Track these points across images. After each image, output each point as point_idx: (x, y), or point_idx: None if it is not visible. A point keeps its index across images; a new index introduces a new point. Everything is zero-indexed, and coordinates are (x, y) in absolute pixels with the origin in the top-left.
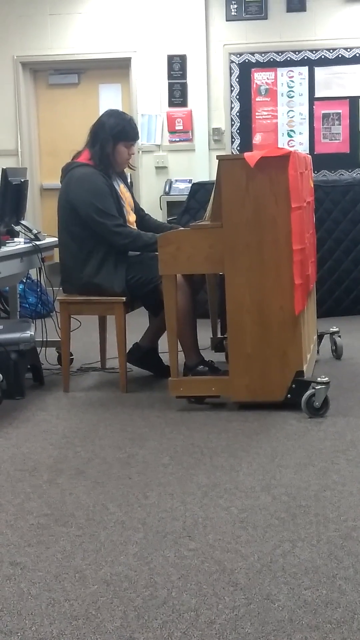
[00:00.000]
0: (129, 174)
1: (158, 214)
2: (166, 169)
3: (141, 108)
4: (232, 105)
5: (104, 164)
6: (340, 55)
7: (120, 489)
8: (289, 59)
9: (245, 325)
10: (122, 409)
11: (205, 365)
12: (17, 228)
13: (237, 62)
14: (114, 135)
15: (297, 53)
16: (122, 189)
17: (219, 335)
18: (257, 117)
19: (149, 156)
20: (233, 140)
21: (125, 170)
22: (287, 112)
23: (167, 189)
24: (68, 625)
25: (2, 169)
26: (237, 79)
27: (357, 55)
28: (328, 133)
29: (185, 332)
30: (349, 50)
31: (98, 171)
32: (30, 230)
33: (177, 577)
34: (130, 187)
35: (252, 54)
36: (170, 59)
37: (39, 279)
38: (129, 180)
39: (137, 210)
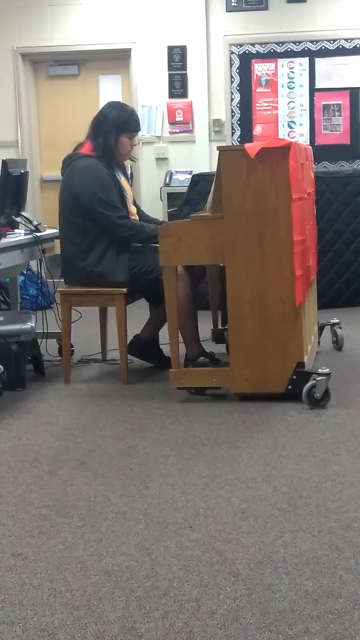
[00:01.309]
0: (128, 166)
1: (158, 206)
2: (166, 160)
3: (141, 99)
4: (233, 97)
5: (107, 155)
6: (340, 46)
7: (121, 480)
8: (289, 49)
9: (245, 317)
10: (122, 400)
11: (206, 357)
12: (18, 219)
13: (237, 53)
14: (117, 126)
15: (297, 44)
16: (123, 181)
17: (220, 327)
18: (257, 108)
19: (149, 147)
20: (233, 131)
21: (125, 162)
22: (288, 103)
23: (167, 181)
24: (69, 615)
25: (2, 160)
26: (238, 70)
27: (358, 46)
28: (328, 124)
29: (185, 323)
30: (349, 41)
31: (101, 162)
32: (30, 222)
33: (179, 567)
34: (129, 178)
35: (253, 44)
36: (171, 49)
37: (39, 271)
38: (128, 172)
39: (134, 204)
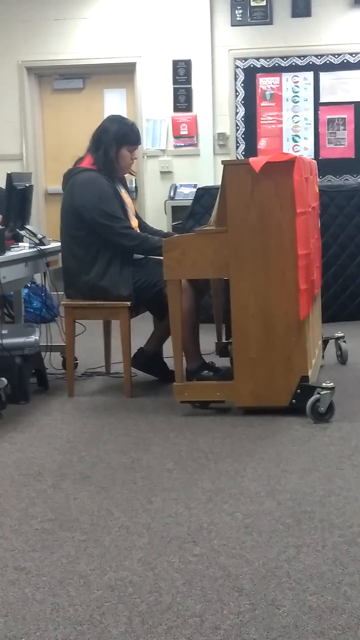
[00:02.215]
0: (133, 179)
1: (163, 219)
2: (171, 174)
3: (146, 113)
4: (237, 110)
5: (107, 168)
6: (345, 61)
7: (124, 494)
8: (294, 64)
9: (250, 330)
10: (126, 413)
11: (208, 370)
12: (22, 232)
13: (242, 67)
14: (117, 139)
15: (302, 58)
16: (124, 193)
17: (224, 340)
18: (262, 122)
19: (153, 161)
20: (238, 145)
21: (125, 176)
22: (292, 117)
23: (172, 194)
24: (72, 630)
25: (7, 173)
26: (242, 84)
27: None
28: (333, 138)
29: (187, 336)
30: (354, 55)
31: (102, 175)
32: (35, 235)
33: (182, 582)
34: (129, 191)
35: (257, 59)
36: (175, 64)
37: (43, 284)
38: (133, 185)
39: (137, 216)
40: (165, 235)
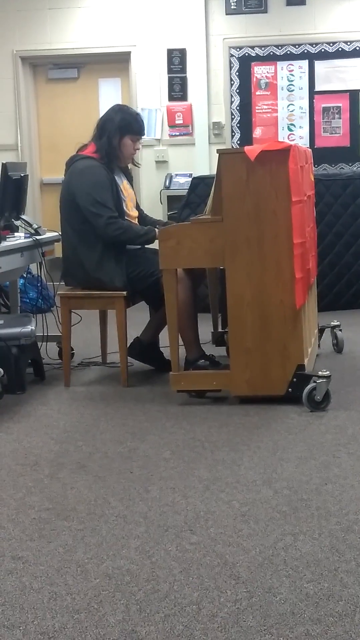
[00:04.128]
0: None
1: (158, 208)
2: (166, 163)
3: (141, 102)
4: (232, 99)
5: (110, 156)
6: (340, 49)
7: (121, 483)
8: (288, 52)
9: (246, 320)
10: (123, 403)
11: (206, 360)
12: (17, 223)
13: (237, 56)
14: (120, 128)
15: (297, 47)
16: (125, 185)
17: (220, 330)
18: (257, 111)
19: (149, 150)
20: (233, 134)
21: (129, 166)
22: (287, 106)
23: (167, 183)
24: (70, 619)
25: (2, 163)
26: (237, 73)
27: (357, 48)
28: (328, 127)
29: (185, 326)
30: (349, 43)
31: (101, 164)
32: (30, 225)
33: (179, 570)
34: (132, 182)
35: (252, 47)
36: (170, 52)
37: (39, 274)
38: None
39: (137, 207)
40: (165, 224)
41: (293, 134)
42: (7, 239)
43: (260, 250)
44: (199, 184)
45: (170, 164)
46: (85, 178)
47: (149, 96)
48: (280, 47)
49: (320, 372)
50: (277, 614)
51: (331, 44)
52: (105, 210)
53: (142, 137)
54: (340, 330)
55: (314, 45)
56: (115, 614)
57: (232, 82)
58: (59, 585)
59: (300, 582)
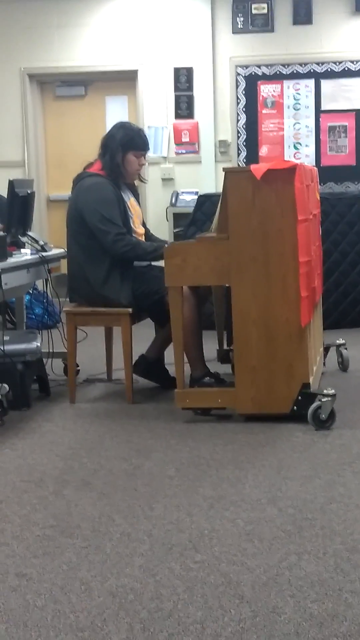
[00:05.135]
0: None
1: (164, 226)
2: (172, 181)
3: (148, 120)
4: (239, 118)
5: (114, 173)
6: (346, 68)
7: (126, 501)
8: (295, 71)
9: (251, 337)
10: (128, 420)
11: (211, 377)
12: (24, 239)
13: (243, 75)
14: (123, 144)
15: (303, 66)
16: (132, 202)
17: (225, 347)
18: (263, 129)
19: (155, 168)
20: (239, 152)
21: (136, 183)
22: (294, 125)
23: (173, 201)
24: (74, 637)
25: (9, 180)
26: (244, 91)
27: None
28: (334, 145)
29: (190, 343)
30: (355, 63)
31: (108, 181)
32: (36, 242)
33: (183, 589)
34: (139, 200)
35: (259, 66)
36: (177, 71)
37: (45, 290)
38: None
39: (144, 225)
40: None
41: (299, 153)
42: (14, 255)
43: (265, 268)
44: (205, 202)
45: (176, 181)
46: (93, 195)
47: (155, 114)
48: (286, 66)
49: (325, 391)
50: (281, 633)
51: (337, 63)
52: (113, 227)
53: (147, 152)
54: (346, 348)
55: (320, 64)
56: (119, 633)
57: (239, 101)
58: (63, 603)
59: (304, 602)
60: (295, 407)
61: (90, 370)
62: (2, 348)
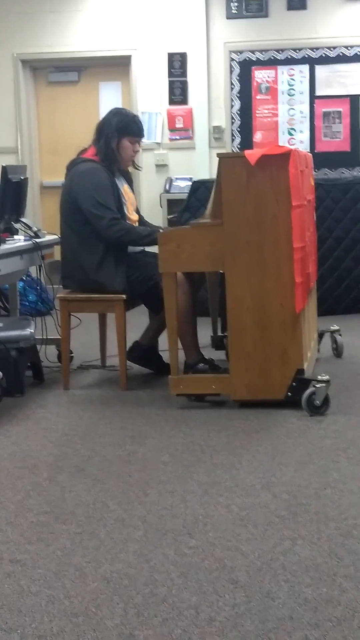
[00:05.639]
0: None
1: (158, 212)
2: (166, 167)
3: (141, 106)
4: (233, 103)
5: (109, 159)
6: (341, 54)
7: (120, 487)
8: (289, 57)
9: (245, 324)
10: (122, 406)
11: (205, 363)
12: (17, 225)
13: (237, 60)
14: (118, 130)
15: (297, 51)
16: (125, 188)
17: (220, 334)
18: (257, 115)
19: (149, 154)
20: (233, 138)
21: (130, 170)
22: (288, 110)
23: (167, 187)
24: (68, 622)
25: (2, 166)
26: (238, 77)
27: (358, 53)
28: (329, 131)
29: (185, 330)
30: (349, 48)
31: (102, 167)
32: (30, 228)
33: (177, 574)
34: (132, 186)
35: (253, 52)
36: (171, 56)
37: (38, 277)
38: None
39: (137, 212)
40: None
41: (293, 139)
42: (7, 242)
43: (260, 254)
44: (199, 188)
45: (170, 167)
46: (87, 180)
47: (149, 100)
48: (280, 52)
49: (319, 377)
50: (275, 618)
51: (332, 49)
52: (108, 212)
53: (142, 139)
54: (340, 334)
55: (314, 50)
56: (113, 618)
57: (233, 86)
58: (57, 589)
59: (298, 587)
60: (289, 393)
61: (84, 356)
62: None
